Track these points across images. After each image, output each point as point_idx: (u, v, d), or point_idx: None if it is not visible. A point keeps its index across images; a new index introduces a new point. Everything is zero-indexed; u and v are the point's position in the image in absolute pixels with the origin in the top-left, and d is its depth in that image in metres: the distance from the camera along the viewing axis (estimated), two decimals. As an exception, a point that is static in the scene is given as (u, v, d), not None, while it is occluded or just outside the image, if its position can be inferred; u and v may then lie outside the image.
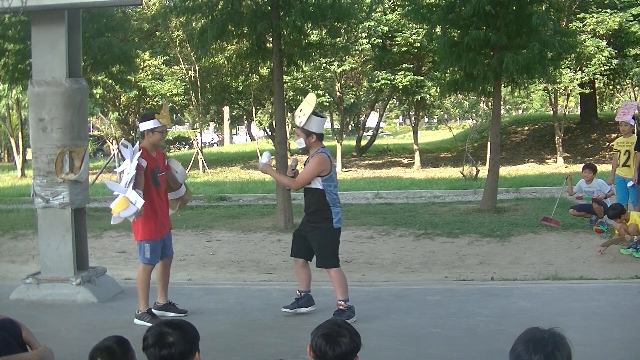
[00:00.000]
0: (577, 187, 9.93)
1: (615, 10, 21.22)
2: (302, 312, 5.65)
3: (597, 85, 26.42)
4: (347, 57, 22.57)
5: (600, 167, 15.63)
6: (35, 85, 6.20)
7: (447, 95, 15.36)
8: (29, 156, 24.74)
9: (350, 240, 9.46)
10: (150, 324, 4.85)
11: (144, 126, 5.66)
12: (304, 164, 5.65)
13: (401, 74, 22.77)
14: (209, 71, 26.46)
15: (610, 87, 28.66)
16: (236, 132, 56.41)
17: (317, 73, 24.42)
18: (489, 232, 9.48)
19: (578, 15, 21.46)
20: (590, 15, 21.14)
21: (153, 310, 5.68)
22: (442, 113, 33.28)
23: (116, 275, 7.47)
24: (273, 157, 7.27)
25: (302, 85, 24.93)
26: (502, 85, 11.97)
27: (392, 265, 8.26)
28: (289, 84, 23.48)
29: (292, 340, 4.97)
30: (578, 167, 12.77)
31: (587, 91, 23.90)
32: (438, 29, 12.01)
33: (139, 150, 5.49)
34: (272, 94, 18.37)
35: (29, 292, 6.35)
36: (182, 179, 6.18)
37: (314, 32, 13.30)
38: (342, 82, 26.76)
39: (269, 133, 30.52)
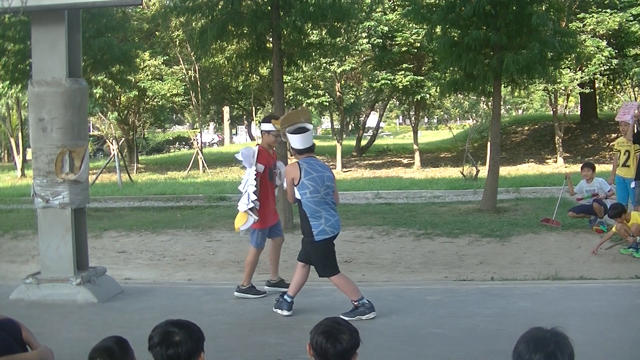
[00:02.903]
0: (579, 187, 9.94)
1: (615, 10, 21.23)
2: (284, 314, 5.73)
3: (597, 85, 26.43)
4: (347, 57, 22.58)
5: (600, 167, 15.66)
6: (35, 85, 6.20)
7: (447, 95, 15.38)
8: (29, 156, 24.75)
9: (350, 240, 9.46)
10: (254, 296, 6.33)
11: (264, 127, 6.41)
12: None
13: (401, 74, 22.78)
14: (209, 71, 26.50)
15: (610, 87, 28.66)
16: (236, 132, 56.42)
17: (317, 73, 24.44)
18: (489, 232, 9.48)
19: (578, 15, 21.47)
20: (590, 15, 21.15)
21: (266, 287, 6.51)
22: (442, 113, 33.29)
23: (116, 275, 7.47)
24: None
25: (302, 85, 24.95)
26: (502, 85, 11.97)
27: (392, 265, 8.26)
28: (289, 84, 23.49)
29: (292, 340, 4.97)
30: (578, 167, 12.76)
31: (587, 91, 23.91)
32: (438, 29, 12.01)
33: (258, 152, 6.24)
34: (272, 94, 18.37)
35: (29, 292, 6.35)
36: (278, 182, 6.58)
37: (314, 32, 13.31)
38: (342, 82, 26.77)
39: (269, 133, 30.53)
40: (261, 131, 6.52)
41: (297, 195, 5.55)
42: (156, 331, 2.63)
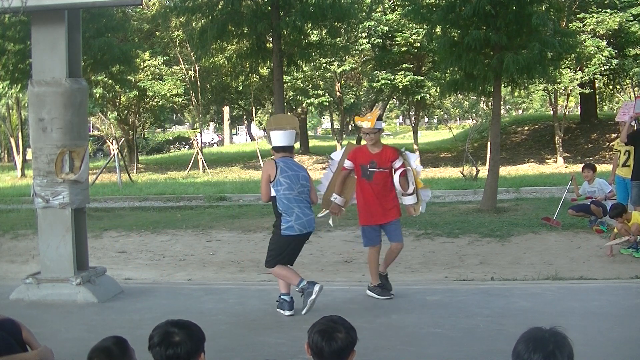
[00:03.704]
0: (582, 189, 9.95)
1: (615, 10, 21.23)
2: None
3: (597, 85, 26.44)
4: (347, 57, 22.60)
5: (600, 167, 15.64)
6: (35, 85, 6.20)
7: (447, 95, 15.36)
8: (29, 156, 24.75)
9: (350, 240, 9.46)
10: (379, 297, 6.19)
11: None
12: None
13: (401, 74, 22.78)
14: (209, 71, 26.50)
15: (610, 87, 28.66)
16: (236, 132, 56.43)
17: (317, 73, 24.44)
18: (489, 232, 9.48)
19: (578, 15, 21.47)
20: (590, 15, 21.15)
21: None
22: (442, 113, 33.31)
23: (116, 275, 7.46)
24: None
25: (302, 85, 24.95)
26: (502, 85, 11.96)
27: (392, 265, 8.19)
28: (289, 84, 23.49)
29: (292, 340, 4.97)
30: (578, 167, 12.77)
31: (587, 91, 23.92)
32: (438, 29, 12.01)
33: (354, 149, 6.36)
34: (272, 94, 18.38)
35: (29, 292, 6.35)
36: (408, 187, 6.27)
37: (314, 32, 13.32)
38: (342, 82, 26.78)
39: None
40: None
41: (273, 193, 5.71)
42: (156, 331, 2.63)
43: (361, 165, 6.18)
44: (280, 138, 5.86)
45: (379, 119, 6.28)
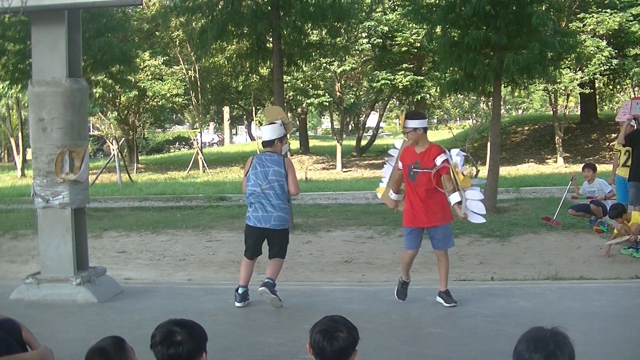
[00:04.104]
0: (582, 188, 9.95)
1: (615, 10, 21.22)
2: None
3: (597, 85, 26.43)
4: (347, 57, 22.59)
5: (601, 167, 15.64)
6: (35, 85, 6.19)
7: (447, 95, 15.34)
8: (29, 156, 24.76)
9: (350, 240, 9.46)
10: (447, 304, 5.81)
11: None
12: None
13: (401, 74, 22.78)
14: (209, 71, 26.51)
15: (610, 87, 28.65)
16: (236, 132, 56.43)
17: (317, 73, 24.43)
18: (489, 232, 9.47)
19: (578, 15, 21.46)
20: (590, 15, 21.14)
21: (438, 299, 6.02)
22: (442, 113, 33.33)
23: (116, 275, 7.47)
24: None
25: (302, 85, 24.94)
26: (502, 85, 11.96)
27: (392, 265, 8.26)
28: (289, 84, 23.49)
29: (292, 340, 4.97)
30: (578, 167, 12.77)
31: (587, 91, 23.91)
32: (438, 29, 12.00)
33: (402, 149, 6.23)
34: (272, 94, 18.37)
35: (29, 292, 6.35)
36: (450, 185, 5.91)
37: (314, 32, 13.31)
38: (342, 82, 26.77)
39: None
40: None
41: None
42: (158, 330, 2.63)
43: (408, 165, 5.92)
44: (262, 134, 6.24)
45: (418, 117, 5.97)
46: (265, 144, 6.12)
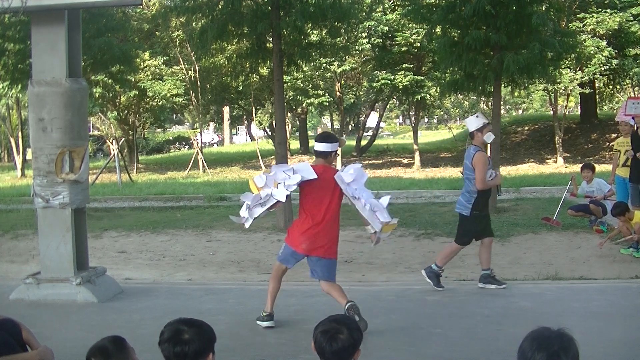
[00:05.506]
0: (581, 188, 9.96)
1: (615, 10, 21.21)
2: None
3: (597, 85, 26.41)
4: (347, 57, 22.57)
5: (600, 167, 15.65)
6: (35, 85, 6.20)
7: (447, 95, 15.38)
8: (29, 156, 24.73)
9: (350, 240, 9.46)
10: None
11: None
12: None
13: (401, 74, 22.76)
14: (209, 71, 26.47)
15: (610, 87, 28.64)
16: (236, 132, 56.42)
17: (317, 73, 24.43)
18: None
19: (578, 15, 21.45)
20: (590, 15, 21.13)
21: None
22: (442, 113, 33.33)
23: (116, 275, 7.47)
24: (273, 157, 7.39)
25: (302, 85, 24.94)
26: (502, 85, 11.96)
27: (392, 265, 8.26)
28: (289, 84, 23.48)
29: (292, 340, 4.97)
30: (578, 167, 12.75)
31: (587, 91, 23.90)
32: (438, 29, 12.00)
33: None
34: (272, 94, 18.38)
35: (29, 292, 6.35)
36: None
37: (314, 32, 13.30)
38: (342, 82, 26.77)
39: (269, 133, 30.53)
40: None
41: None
42: (167, 327, 2.65)
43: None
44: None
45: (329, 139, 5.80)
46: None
